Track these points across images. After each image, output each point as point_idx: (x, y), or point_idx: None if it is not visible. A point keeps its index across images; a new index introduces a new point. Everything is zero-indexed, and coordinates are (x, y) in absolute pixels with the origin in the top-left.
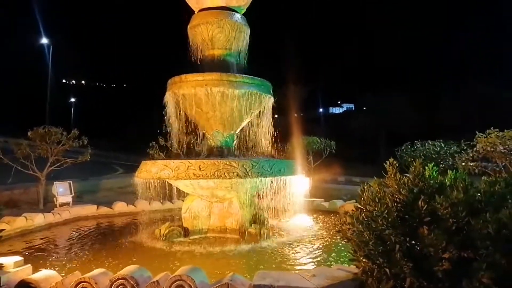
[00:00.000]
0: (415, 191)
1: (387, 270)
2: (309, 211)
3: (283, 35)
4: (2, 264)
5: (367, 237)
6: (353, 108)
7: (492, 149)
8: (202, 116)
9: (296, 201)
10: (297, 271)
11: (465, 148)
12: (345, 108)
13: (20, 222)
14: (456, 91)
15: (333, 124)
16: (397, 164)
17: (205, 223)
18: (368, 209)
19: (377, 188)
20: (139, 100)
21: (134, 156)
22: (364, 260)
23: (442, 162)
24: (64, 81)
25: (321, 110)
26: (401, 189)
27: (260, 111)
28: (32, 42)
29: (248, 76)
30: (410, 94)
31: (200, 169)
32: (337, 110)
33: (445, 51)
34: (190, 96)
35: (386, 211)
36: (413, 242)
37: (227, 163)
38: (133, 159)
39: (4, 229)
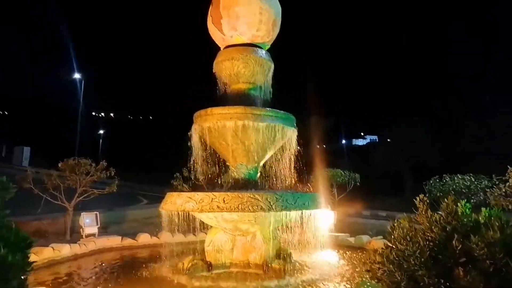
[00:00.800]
0: (448, 229)
1: None
2: (334, 247)
3: (306, 68)
4: None
5: (399, 278)
6: (377, 140)
7: None
8: (226, 149)
9: (320, 235)
10: None
11: (497, 183)
12: (368, 140)
13: (48, 253)
14: (481, 120)
15: (356, 156)
16: (427, 201)
17: (228, 257)
18: (399, 247)
19: (407, 226)
20: (165, 132)
21: (159, 187)
22: None
23: (473, 198)
24: (93, 113)
25: (343, 142)
26: (433, 227)
27: (284, 144)
28: (64, 76)
29: (272, 109)
30: (432, 122)
31: (224, 201)
32: (360, 142)
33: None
34: (215, 129)
35: (419, 250)
36: (448, 284)
37: (251, 196)
38: (158, 189)
39: (35, 261)
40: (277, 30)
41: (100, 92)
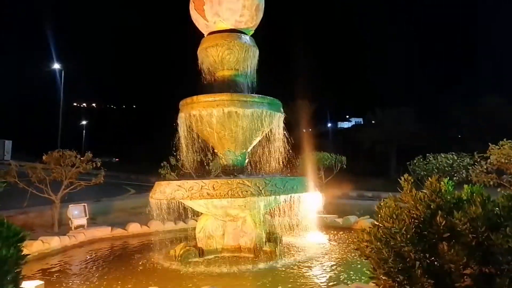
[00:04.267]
0: (432, 206)
1: (408, 287)
2: (323, 228)
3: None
4: None
5: (386, 255)
6: (362, 122)
7: (506, 161)
8: (213, 136)
9: (309, 218)
10: None
11: (478, 160)
12: (353, 123)
13: (37, 246)
14: (465, 104)
15: (341, 138)
16: (412, 180)
17: (220, 242)
18: (385, 226)
19: (393, 205)
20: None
21: (145, 177)
22: (384, 277)
23: (455, 175)
24: (74, 104)
25: (329, 125)
26: (417, 205)
27: (271, 129)
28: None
29: (258, 95)
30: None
31: (214, 188)
32: (345, 125)
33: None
34: (201, 117)
35: (405, 227)
36: (433, 258)
37: (241, 182)
38: (144, 179)
39: (29, 254)
40: (260, 14)
41: (81, 83)
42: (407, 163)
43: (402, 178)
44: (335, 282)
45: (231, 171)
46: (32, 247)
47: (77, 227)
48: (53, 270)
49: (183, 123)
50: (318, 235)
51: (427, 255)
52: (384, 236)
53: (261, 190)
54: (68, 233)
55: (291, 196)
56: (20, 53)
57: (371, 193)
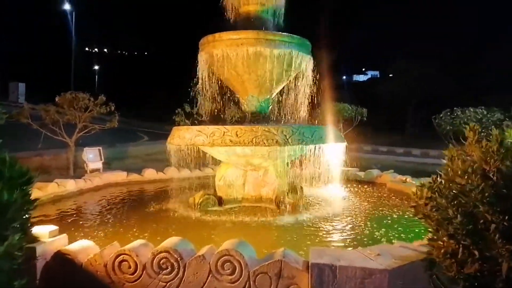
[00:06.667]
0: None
1: (476, 252)
2: (345, 181)
3: None
4: (37, 234)
5: (452, 215)
6: (378, 76)
7: None
8: (236, 79)
9: (332, 170)
10: (355, 249)
11: None
12: (369, 76)
13: (52, 188)
14: (498, 48)
15: (357, 92)
16: (478, 129)
17: (240, 192)
18: (457, 181)
19: (468, 158)
20: (163, 68)
21: (159, 124)
22: (446, 240)
23: (483, 131)
24: (86, 49)
25: (344, 77)
26: (488, 159)
27: (297, 73)
28: (55, 9)
29: (287, 34)
30: (442, 60)
31: (237, 135)
32: (361, 78)
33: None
34: (224, 57)
35: (483, 184)
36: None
37: (266, 129)
38: (158, 127)
39: (38, 198)
40: None
41: (92, 27)
42: (433, 117)
43: (468, 127)
44: (370, 242)
45: (253, 118)
46: (47, 190)
47: (92, 171)
48: (68, 213)
49: (202, 64)
50: (340, 189)
51: (506, 217)
52: (453, 193)
53: (287, 139)
54: (83, 176)
55: (318, 147)
56: None
57: (386, 148)
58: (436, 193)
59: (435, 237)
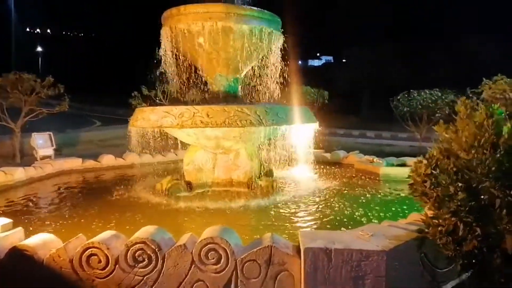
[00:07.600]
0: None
1: (478, 228)
2: (312, 162)
3: None
4: None
5: (453, 191)
6: (332, 61)
7: (501, 96)
8: (203, 57)
9: (300, 151)
10: (348, 230)
11: (470, 96)
12: (323, 61)
13: None
14: (448, 45)
15: (314, 76)
16: (470, 104)
17: (210, 176)
18: (462, 156)
19: (473, 131)
20: (115, 48)
21: (112, 108)
22: (448, 217)
23: (438, 112)
24: (28, 30)
25: (299, 62)
26: (486, 133)
27: (267, 51)
28: None
29: (258, 9)
30: (396, 46)
31: (208, 116)
32: (316, 63)
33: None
34: (189, 32)
35: (490, 158)
36: None
37: (239, 109)
38: (110, 111)
39: None
40: None
41: (35, 8)
42: (390, 99)
43: (460, 101)
44: (352, 222)
45: (222, 99)
46: None
47: (42, 158)
48: (19, 204)
49: (166, 40)
50: (309, 170)
51: (510, 192)
52: (455, 169)
53: (261, 120)
54: (33, 164)
55: (292, 127)
56: None
57: (343, 131)
58: (437, 168)
59: (435, 215)
